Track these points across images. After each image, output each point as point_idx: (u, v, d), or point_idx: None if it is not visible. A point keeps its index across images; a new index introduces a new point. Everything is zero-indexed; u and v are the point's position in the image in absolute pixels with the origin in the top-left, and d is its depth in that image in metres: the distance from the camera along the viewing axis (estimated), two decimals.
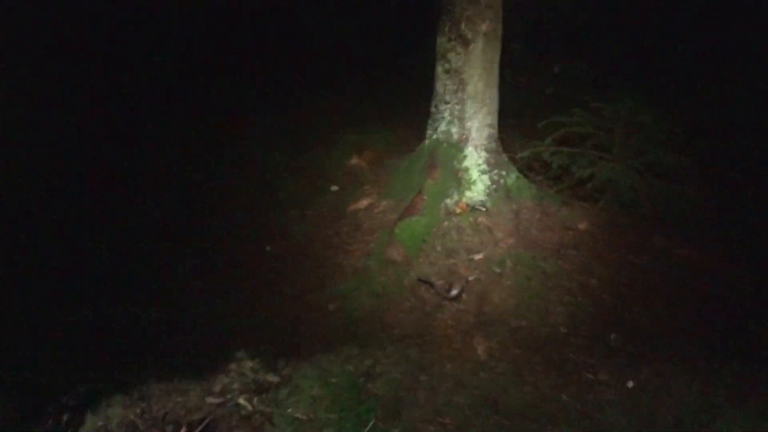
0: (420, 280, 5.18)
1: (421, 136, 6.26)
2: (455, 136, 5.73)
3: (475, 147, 5.73)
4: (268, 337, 4.76)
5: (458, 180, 5.74)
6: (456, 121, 5.69)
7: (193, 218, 6.09)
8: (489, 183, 5.77)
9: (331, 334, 4.75)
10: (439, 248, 5.45)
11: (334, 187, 6.33)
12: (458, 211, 5.70)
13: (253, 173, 6.72)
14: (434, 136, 5.86)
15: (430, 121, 5.92)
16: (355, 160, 6.60)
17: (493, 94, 5.65)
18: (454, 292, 5.05)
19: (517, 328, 4.79)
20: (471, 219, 5.67)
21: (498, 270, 5.20)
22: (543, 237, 5.59)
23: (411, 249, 5.33)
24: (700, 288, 5.20)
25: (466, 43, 5.36)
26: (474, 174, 5.75)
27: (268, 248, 5.64)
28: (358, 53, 9.77)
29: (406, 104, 8.11)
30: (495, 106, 5.73)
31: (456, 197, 5.75)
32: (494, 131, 5.80)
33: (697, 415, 4.19)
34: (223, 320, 4.95)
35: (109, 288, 5.16)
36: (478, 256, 5.39)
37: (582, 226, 5.67)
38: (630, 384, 4.41)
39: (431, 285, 5.12)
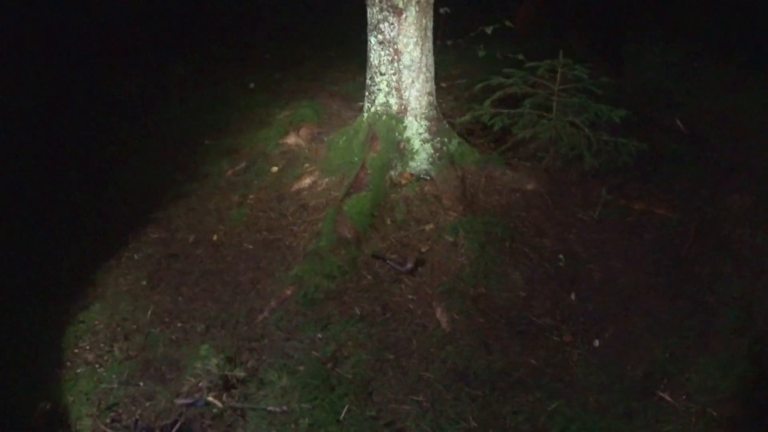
0: (374, 256, 5.11)
1: (355, 108, 6.16)
2: (394, 107, 5.63)
3: (415, 116, 5.65)
4: (227, 330, 4.64)
5: (400, 151, 5.66)
6: (394, 92, 5.59)
7: (129, 213, 5.88)
8: (432, 151, 5.71)
9: (290, 321, 4.65)
10: (388, 222, 5.39)
11: (274, 168, 6.18)
12: (403, 182, 5.64)
13: (186, 160, 6.52)
14: (372, 109, 5.75)
15: (366, 94, 5.80)
16: (291, 138, 6.45)
17: (429, 61, 5.57)
18: (409, 265, 4.97)
19: (477, 296, 4.77)
20: (417, 189, 5.62)
21: (451, 239, 5.15)
22: (491, 201, 5.57)
23: (360, 225, 5.24)
24: (652, 239, 5.24)
25: (398, 12, 5.24)
26: (416, 143, 5.69)
27: (214, 238, 5.49)
28: (279, 25, 9.56)
29: (334, 76, 8.01)
30: (432, 73, 5.65)
31: (400, 168, 5.69)
32: (433, 99, 5.72)
33: (665, 367, 4.24)
34: (179, 318, 4.80)
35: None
36: (428, 227, 5.35)
37: (529, 186, 5.65)
38: (596, 343, 4.44)
39: (385, 260, 5.06)
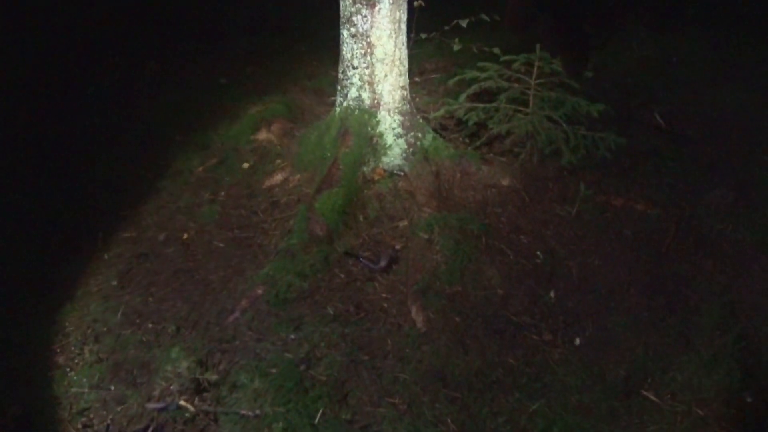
0: (346, 254, 5.00)
1: (328, 103, 6.05)
2: (367, 102, 5.52)
3: (389, 111, 5.54)
4: (198, 332, 4.51)
5: (373, 146, 5.55)
6: (366, 86, 5.47)
7: (100, 211, 5.70)
8: (405, 146, 5.60)
9: (262, 321, 4.53)
10: (361, 219, 5.28)
11: (245, 164, 6.05)
12: (376, 177, 5.53)
13: (156, 156, 6.35)
14: (344, 103, 5.63)
15: (339, 88, 5.68)
16: (263, 134, 6.32)
17: (403, 55, 5.45)
18: (383, 263, 4.88)
19: (453, 294, 4.66)
20: (390, 185, 5.49)
21: (425, 236, 5.04)
22: (466, 197, 5.47)
23: (333, 222, 5.13)
24: (630, 235, 5.16)
25: (371, 4, 5.13)
26: (389, 138, 5.57)
27: (184, 236, 5.35)
28: (250, 19, 9.40)
29: (306, 71, 7.88)
30: (405, 67, 5.54)
31: (372, 164, 5.57)
32: (407, 93, 5.61)
33: (647, 366, 4.18)
34: (149, 318, 4.66)
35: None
36: (402, 223, 5.24)
37: (505, 182, 5.56)
38: (577, 341, 4.36)
39: (358, 258, 4.95)
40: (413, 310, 4.54)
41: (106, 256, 5.24)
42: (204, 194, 5.80)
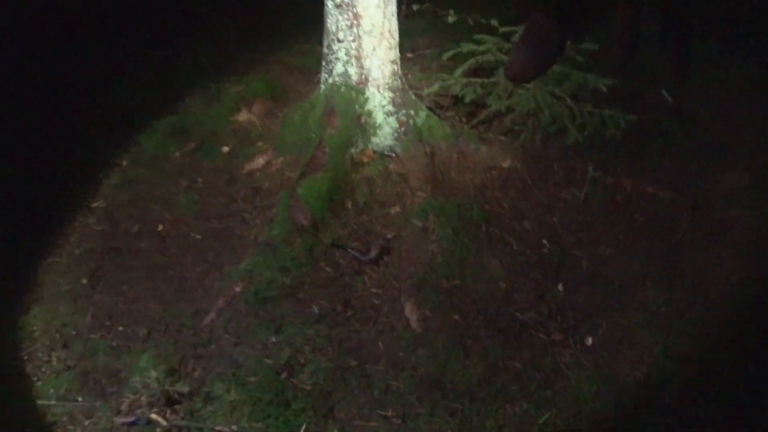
0: (333, 245, 4.56)
1: (313, 81, 5.63)
2: (354, 78, 5.06)
3: (378, 87, 5.08)
4: (171, 335, 4.13)
5: (361, 126, 5.10)
6: (353, 60, 5.01)
7: (72, 203, 5.30)
8: (396, 125, 5.15)
9: (240, 323, 4.13)
10: (349, 205, 4.84)
11: (225, 148, 5.62)
12: (365, 160, 5.09)
13: (132, 142, 5.91)
14: (330, 80, 5.18)
15: (323, 64, 5.22)
16: (243, 115, 5.87)
17: (393, 26, 4.99)
18: (373, 254, 4.45)
19: (452, 289, 4.24)
20: (381, 168, 5.05)
21: (420, 224, 4.61)
22: (464, 180, 5.03)
23: (318, 210, 4.69)
24: (643, 221, 4.73)
25: None
26: (379, 117, 5.12)
27: (159, 228, 4.94)
28: None
29: (291, 48, 7.39)
30: (396, 39, 5.08)
31: (361, 145, 5.13)
32: (397, 67, 5.16)
33: (665, 368, 3.77)
34: (120, 321, 4.30)
35: None
36: (394, 210, 4.81)
37: (505, 164, 5.12)
38: (589, 341, 3.95)
39: (346, 249, 4.52)
40: (407, 307, 4.12)
41: (77, 252, 4.86)
42: (181, 181, 5.38)
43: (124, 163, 5.72)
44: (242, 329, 4.09)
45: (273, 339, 4.00)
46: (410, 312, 4.09)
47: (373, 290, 4.29)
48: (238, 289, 4.30)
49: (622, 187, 4.96)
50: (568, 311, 4.12)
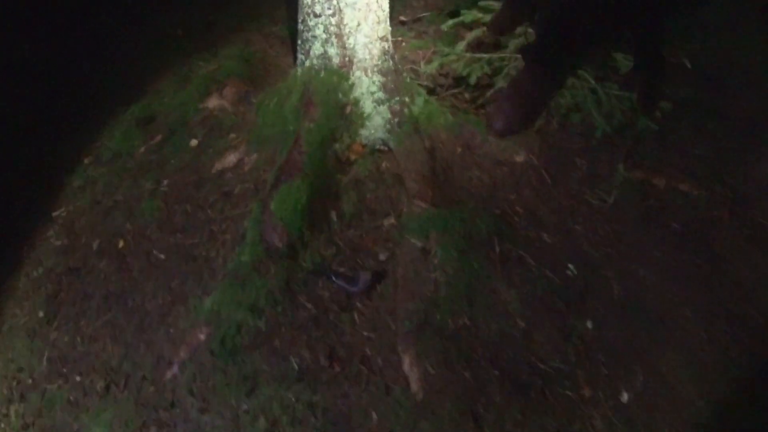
0: (314, 272, 3.84)
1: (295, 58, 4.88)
2: (335, 60, 4.28)
3: (365, 70, 4.30)
4: (130, 391, 3.57)
5: (346, 117, 4.32)
6: (334, 39, 4.21)
7: (31, 212, 4.74)
8: (389, 115, 4.37)
9: (206, 380, 3.50)
10: (334, 217, 4.11)
11: (194, 141, 4.88)
12: (353, 156, 4.34)
13: (93, 137, 5.23)
14: (307, 63, 4.40)
15: (299, 43, 4.44)
16: (214, 101, 5.10)
17: None
18: (363, 282, 3.73)
19: (459, 332, 3.53)
20: (371, 166, 4.32)
21: (419, 243, 3.87)
22: (470, 179, 4.28)
23: (295, 228, 3.93)
24: (680, 229, 4.02)
25: None
26: (367, 105, 4.34)
27: (120, 244, 4.29)
28: None
29: (274, 14, 6.52)
30: (385, 11, 4.25)
31: (347, 140, 4.35)
32: (388, 46, 4.36)
33: (709, 427, 3.13)
34: (76, 368, 3.77)
35: None
36: (388, 222, 4.08)
37: (519, 158, 4.36)
38: (624, 397, 3.27)
39: (330, 278, 3.79)
40: (406, 361, 3.42)
41: (35, 273, 4.33)
42: (144, 183, 4.69)
43: (86, 161, 5.06)
44: (208, 390, 3.46)
45: (245, 406, 3.36)
46: (409, 368, 3.39)
47: (364, 333, 3.60)
48: (202, 336, 3.62)
49: (654, 184, 4.22)
50: (599, 355, 3.44)
